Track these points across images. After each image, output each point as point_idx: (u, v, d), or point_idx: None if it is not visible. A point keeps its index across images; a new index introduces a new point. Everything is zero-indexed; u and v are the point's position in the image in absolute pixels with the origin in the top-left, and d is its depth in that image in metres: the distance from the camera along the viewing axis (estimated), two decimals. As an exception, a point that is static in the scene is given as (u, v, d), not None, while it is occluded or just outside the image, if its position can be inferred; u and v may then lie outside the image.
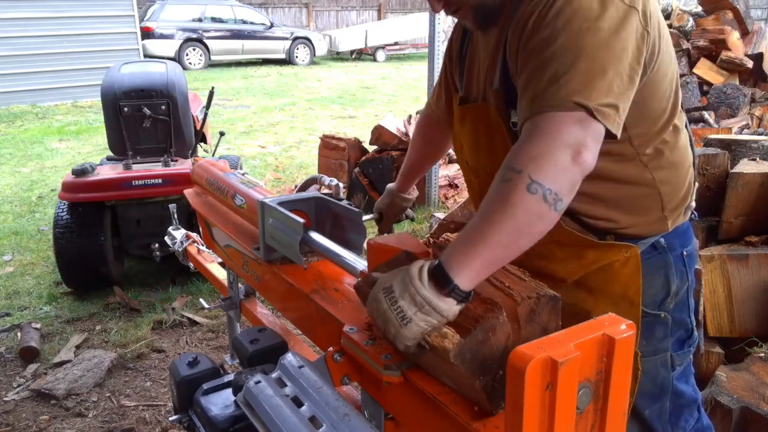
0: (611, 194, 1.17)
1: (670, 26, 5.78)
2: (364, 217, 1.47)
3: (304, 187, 1.72)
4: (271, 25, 16.17)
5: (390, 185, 1.79)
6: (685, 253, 1.26)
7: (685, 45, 5.68)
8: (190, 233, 2.15)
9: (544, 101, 0.96)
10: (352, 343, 0.96)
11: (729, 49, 5.49)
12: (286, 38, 16.18)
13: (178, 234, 2.15)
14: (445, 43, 1.78)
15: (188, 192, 1.98)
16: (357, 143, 5.21)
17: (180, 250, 2.12)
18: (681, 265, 1.25)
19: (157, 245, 3.30)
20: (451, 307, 0.84)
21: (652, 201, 1.19)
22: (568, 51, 0.97)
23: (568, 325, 0.72)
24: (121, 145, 3.67)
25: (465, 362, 0.77)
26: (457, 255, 0.88)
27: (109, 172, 3.46)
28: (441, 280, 0.85)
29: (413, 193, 1.79)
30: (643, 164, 1.17)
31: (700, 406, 1.39)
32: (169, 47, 14.30)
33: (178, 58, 13.85)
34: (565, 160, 0.91)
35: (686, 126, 1.26)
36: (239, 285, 1.78)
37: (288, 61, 16.21)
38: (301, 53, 16.43)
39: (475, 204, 1.41)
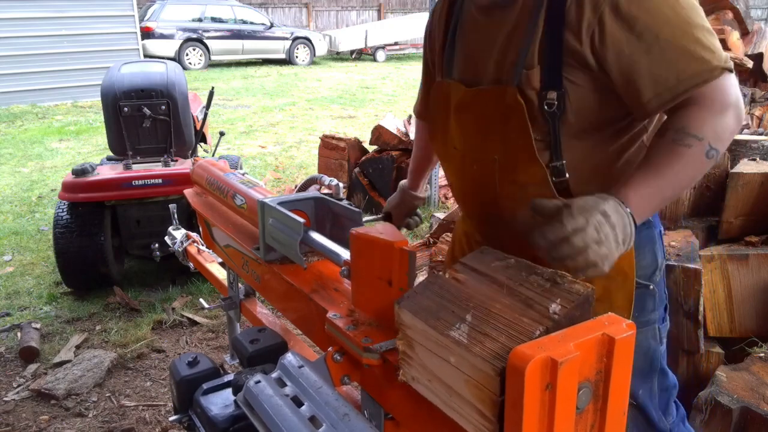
0: (619, 175, 1.19)
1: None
2: (365, 218, 1.47)
3: (304, 187, 1.72)
4: (271, 25, 16.18)
5: (402, 182, 1.77)
6: (662, 230, 1.34)
7: (685, 45, 5.68)
8: (190, 233, 2.15)
9: (699, 75, 1.04)
10: (334, 328, 0.98)
11: (729, 49, 5.48)
12: (286, 38, 16.18)
13: (178, 234, 2.15)
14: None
15: (188, 192, 1.98)
16: (357, 143, 5.21)
17: (180, 250, 2.12)
18: (661, 242, 1.32)
19: (157, 245, 3.30)
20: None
21: None
22: (685, 23, 1.04)
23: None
24: (121, 145, 3.68)
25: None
26: (640, 209, 1.01)
27: (109, 172, 3.46)
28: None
29: (424, 192, 1.77)
30: (644, 144, 1.20)
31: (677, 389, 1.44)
32: (169, 47, 14.31)
33: (178, 58, 13.86)
34: (734, 124, 1.06)
35: None
36: (239, 285, 1.78)
37: (288, 61, 16.22)
38: (301, 53, 16.44)
39: (463, 192, 1.37)
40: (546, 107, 1.11)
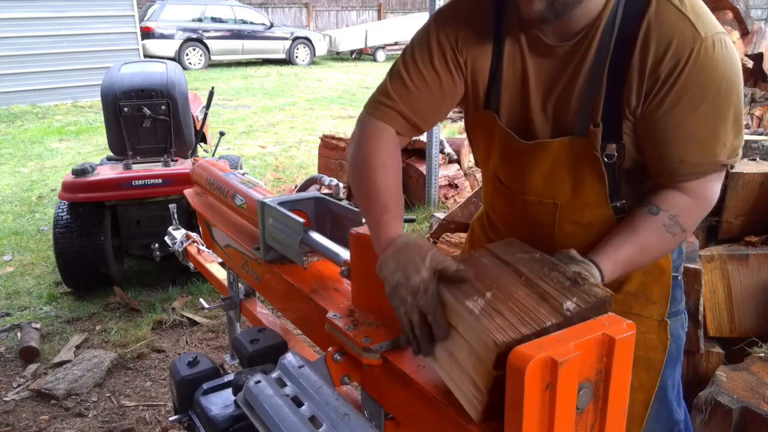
0: None
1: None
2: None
3: (304, 187, 1.72)
4: (271, 25, 16.17)
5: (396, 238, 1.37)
6: None
7: (685, 45, 5.68)
8: (190, 233, 2.15)
9: (705, 167, 1.09)
10: (334, 328, 0.98)
11: (729, 49, 5.48)
12: (286, 38, 16.18)
13: (178, 234, 2.16)
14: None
15: (188, 192, 1.98)
16: (357, 143, 5.21)
17: (180, 250, 2.13)
18: None
19: (157, 245, 3.30)
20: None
21: None
22: (719, 110, 1.05)
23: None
24: (121, 145, 3.67)
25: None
26: (614, 270, 1.06)
27: (109, 172, 3.46)
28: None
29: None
30: None
31: None
32: (169, 47, 14.30)
33: (178, 58, 13.86)
34: (705, 214, 1.16)
35: None
36: (239, 285, 1.78)
37: (288, 61, 16.21)
38: (301, 53, 16.43)
39: (511, 224, 1.33)
40: (606, 159, 1.12)
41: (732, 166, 1.13)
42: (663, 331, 1.25)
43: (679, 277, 1.32)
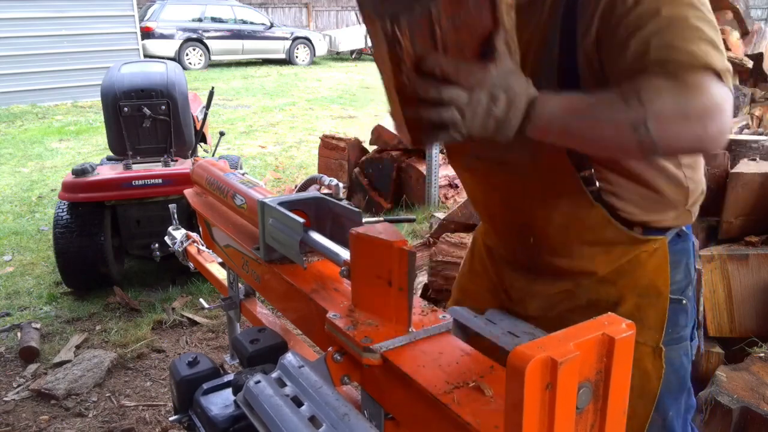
0: (650, 195, 1.14)
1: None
2: (364, 219, 1.48)
3: (304, 187, 1.72)
4: (271, 25, 16.18)
5: None
6: (695, 242, 1.27)
7: (685, 45, 5.68)
8: (190, 233, 2.15)
9: (680, 55, 0.91)
10: (334, 328, 0.98)
11: (729, 49, 5.49)
12: (286, 38, 16.18)
13: (178, 234, 2.15)
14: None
15: (188, 192, 1.98)
16: (357, 143, 5.21)
17: (180, 250, 2.12)
18: (694, 254, 1.24)
19: (157, 245, 3.30)
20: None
21: (680, 197, 1.17)
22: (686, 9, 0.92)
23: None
24: (121, 145, 3.68)
25: None
26: (544, 111, 0.92)
27: (109, 172, 3.46)
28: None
29: None
30: (678, 162, 1.14)
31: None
32: (169, 47, 14.31)
33: (178, 58, 13.86)
34: (701, 128, 0.90)
35: None
36: (239, 285, 1.78)
37: (288, 61, 16.22)
38: (301, 53, 16.44)
39: (489, 209, 1.31)
40: None
41: (722, 76, 0.89)
42: (657, 359, 1.15)
43: (685, 302, 1.20)
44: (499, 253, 1.36)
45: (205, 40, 14.89)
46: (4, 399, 2.65)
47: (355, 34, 17.76)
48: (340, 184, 1.51)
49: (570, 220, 1.14)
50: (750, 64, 5.49)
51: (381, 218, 1.80)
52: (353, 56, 18.21)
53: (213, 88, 4.52)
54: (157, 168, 3.52)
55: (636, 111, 0.87)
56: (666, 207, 1.17)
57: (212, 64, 15.22)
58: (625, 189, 1.12)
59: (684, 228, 1.21)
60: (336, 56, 18.30)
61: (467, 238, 2.65)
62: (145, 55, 12.10)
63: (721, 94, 0.88)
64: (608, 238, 1.14)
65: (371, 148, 5.20)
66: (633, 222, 1.14)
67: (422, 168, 4.85)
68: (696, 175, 1.20)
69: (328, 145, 5.27)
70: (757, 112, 5.28)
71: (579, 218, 1.13)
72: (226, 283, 1.81)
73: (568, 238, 1.16)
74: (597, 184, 1.10)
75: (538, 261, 1.23)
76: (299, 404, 0.91)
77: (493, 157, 1.18)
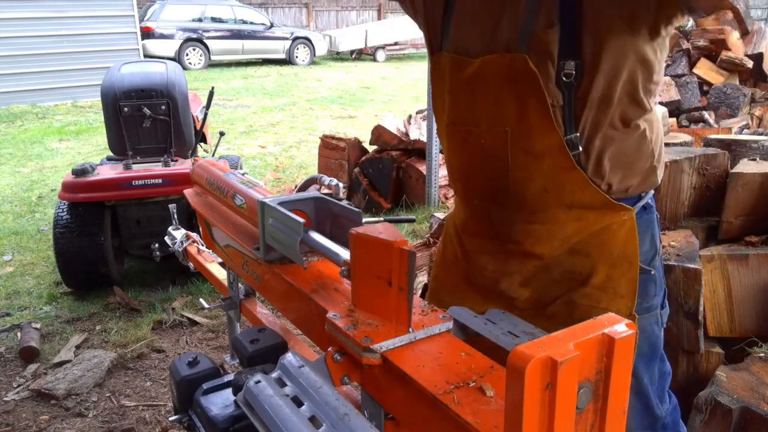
0: (621, 149, 1.17)
1: (670, 26, 5.77)
2: (364, 219, 1.47)
3: (304, 187, 1.72)
4: (271, 25, 16.18)
5: None
6: (657, 215, 1.31)
7: (685, 45, 5.69)
8: (190, 233, 2.15)
9: None
10: (334, 328, 0.98)
11: (729, 49, 5.49)
12: (286, 38, 16.18)
13: (178, 234, 2.15)
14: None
15: (188, 192, 1.97)
16: (357, 143, 5.21)
17: (180, 250, 2.12)
18: (658, 226, 1.30)
19: (157, 245, 3.29)
20: None
21: (646, 149, 1.20)
22: None
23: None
24: (121, 145, 3.68)
25: None
26: None
27: (109, 172, 3.46)
28: None
29: None
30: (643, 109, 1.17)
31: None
32: (169, 47, 14.31)
33: (178, 58, 13.87)
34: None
35: None
36: (239, 285, 1.78)
37: (288, 61, 16.22)
38: (301, 53, 16.44)
39: (467, 171, 1.30)
40: (564, 78, 1.07)
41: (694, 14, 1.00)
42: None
43: (653, 272, 1.25)
44: (470, 232, 1.36)
45: (205, 40, 14.89)
46: (4, 399, 2.65)
47: (355, 34, 17.77)
48: (340, 184, 1.51)
49: (549, 182, 1.16)
50: (750, 64, 5.49)
51: (381, 218, 1.79)
52: (353, 56, 18.20)
53: (213, 88, 4.52)
54: (157, 168, 3.52)
55: None
56: (633, 163, 1.20)
57: (212, 64, 15.22)
58: (604, 153, 1.14)
59: (649, 201, 1.25)
60: (336, 56, 18.30)
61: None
62: (145, 55, 12.10)
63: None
64: (585, 202, 1.16)
65: (371, 148, 5.20)
66: (606, 190, 1.18)
67: (422, 168, 4.85)
68: (655, 122, 1.22)
69: (328, 145, 5.27)
70: (757, 112, 5.28)
71: (559, 180, 1.15)
72: (226, 283, 1.81)
73: (546, 201, 1.18)
74: (579, 148, 1.12)
75: (511, 231, 1.24)
76: (299, 404, 0.91)
77: (484, 117, 1.19)
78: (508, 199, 1.22)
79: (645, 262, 1.23)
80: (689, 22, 5.92)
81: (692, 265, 2.14)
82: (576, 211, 1.18)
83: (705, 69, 5.51)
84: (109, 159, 3.87)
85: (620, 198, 1.20)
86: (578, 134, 1.12)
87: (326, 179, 1.57)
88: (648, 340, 1.27)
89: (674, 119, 5.00)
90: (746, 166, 2.43)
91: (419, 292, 2.94)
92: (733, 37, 5.51)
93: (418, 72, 14.62)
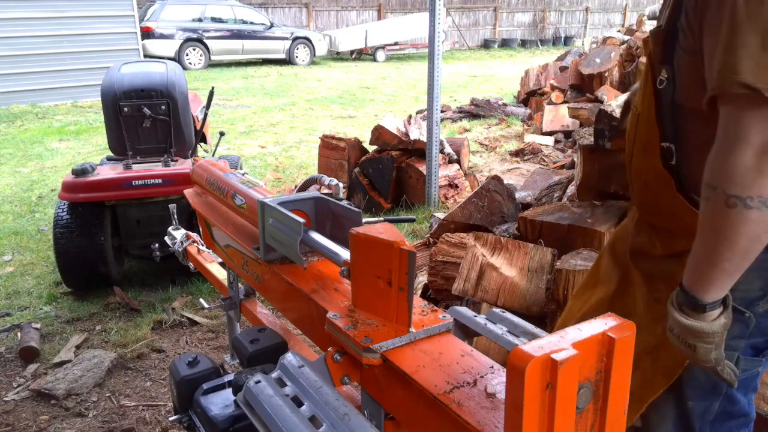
0: None
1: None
2: (364, 219, 1.47)
3: (304, 187, 1.72)
4: (271, 25, 16.18)
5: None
6: None
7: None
8: (190, 233, 2.15)
9: (723, 83, 0.90)
10: (334, 328, 0.99)
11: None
12: (286, 38, 16.19)
13: (178, 234, 2.15)
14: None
15: (188, 192, 1.98)
16: (357, 143, 5.21)
17: (180, 250, 2.12)
18: None
19: (157, 245, 3.30)
20: (712, 321, 1.00)
21: None
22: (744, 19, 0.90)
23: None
24: (121, 145, 3.68)
25: None
26: (695, 280, 1.00)
27: (109, 172, 3.46)
28: (693, 306, 1.01)
29: None
30: None
31: (751, 428, 1.29)
32: (169, 47, 14.31)
33: (178, 58, 13.87)
34: (753, 160, 0.88)
35: None
36: (239, 285, 1.78)
37: (288, 61, 16.22)
38: (301, 53, 16.44)
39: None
40: (658, 85, 1.09)
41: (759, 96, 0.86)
42: None
43: (748, 315, 1.14)
44: (627, 248, 1.37)
45: (205, 40, 14.89)
46: (4, 399, 2.65)
47: (355, 34, 17.77)
48: (340, 184, 1.51)
49: (652, 178, 1.19)
50: None
51: (381, 218, 1.80)
52: (353, 56, 18.20)
53: (213, 88, 4.52)
54: (157, 168, 3.52)
55: (716, 197, 0.93)
56: None
57: (212, 64, 15.22)
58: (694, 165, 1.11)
59: None
60: (336, 56, 18.30)
61: (467, 238, 2.65)
62: (145, 55, 12.10)
63: (752, 119, 0.96)
64: (676, 204, 1.17)
65: (371, 148, 5.20)
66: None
67: (422, 168, 4.85)
68: None
69: (328, 145, 5.27)
70: (757, 112, 5.27)
71: (660, 179, 1.17)
72: (226, 283, 1.81)
73: (652, 194, 1.22)
74: (674, 160, 1.14)
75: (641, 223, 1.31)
76: (299, 404, 0.91)
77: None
78: (631, 191, 1.36)
79: (740, 301, 1.11)
80: None
81: None
82: (675, 208, 1.23)
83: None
84: (109, 159, 3.86)
85: None
86: (672, 144, 1.17)
87: (326, 179, 1.57)
88: (705, 374, 1.17)
89: None
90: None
91: (419, 292, 2.94)
92: None
93: (418, 72, 14.62)
